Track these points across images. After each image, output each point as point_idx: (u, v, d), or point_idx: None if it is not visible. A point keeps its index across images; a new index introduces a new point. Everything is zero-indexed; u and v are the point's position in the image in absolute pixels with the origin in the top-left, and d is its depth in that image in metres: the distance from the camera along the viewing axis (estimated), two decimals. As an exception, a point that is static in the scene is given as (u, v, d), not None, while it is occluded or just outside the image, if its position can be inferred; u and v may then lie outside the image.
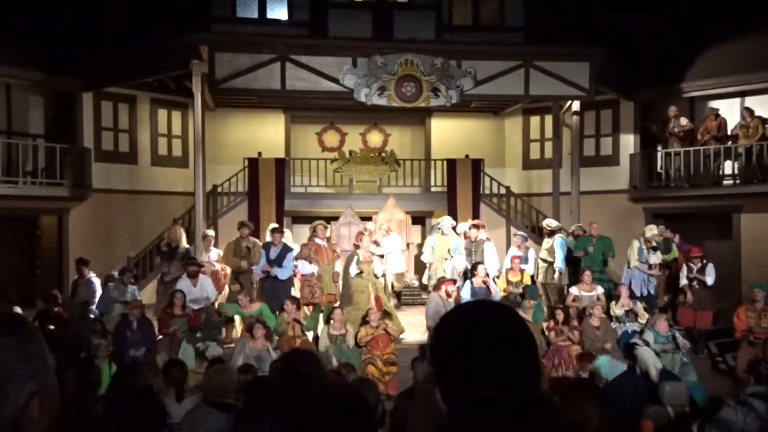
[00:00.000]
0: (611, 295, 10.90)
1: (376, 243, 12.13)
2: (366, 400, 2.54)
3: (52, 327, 9.43)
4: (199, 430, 4.55)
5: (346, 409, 2.41)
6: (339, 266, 11.09)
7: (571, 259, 12.11)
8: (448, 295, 10.02)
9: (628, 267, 11.55)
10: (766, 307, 10.02)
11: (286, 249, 10.90)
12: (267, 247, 10.99)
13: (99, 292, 10.92)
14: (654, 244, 11.60)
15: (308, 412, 2.49)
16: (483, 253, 11.59)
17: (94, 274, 11.29)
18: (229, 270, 11.36)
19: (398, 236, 13.40)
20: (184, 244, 11.41)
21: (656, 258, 11.56)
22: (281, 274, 10.68)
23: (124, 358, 8.73)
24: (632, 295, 10.77)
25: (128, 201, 14.84)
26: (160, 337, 9.62)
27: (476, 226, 12.15)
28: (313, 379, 3.04)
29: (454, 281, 10.66)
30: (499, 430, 1.34)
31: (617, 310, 10.44)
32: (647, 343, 9.27)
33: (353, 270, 10.54)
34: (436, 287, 10.46)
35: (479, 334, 1.40)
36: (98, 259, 13.92)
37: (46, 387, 1.24)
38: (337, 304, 10.45)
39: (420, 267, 13.67)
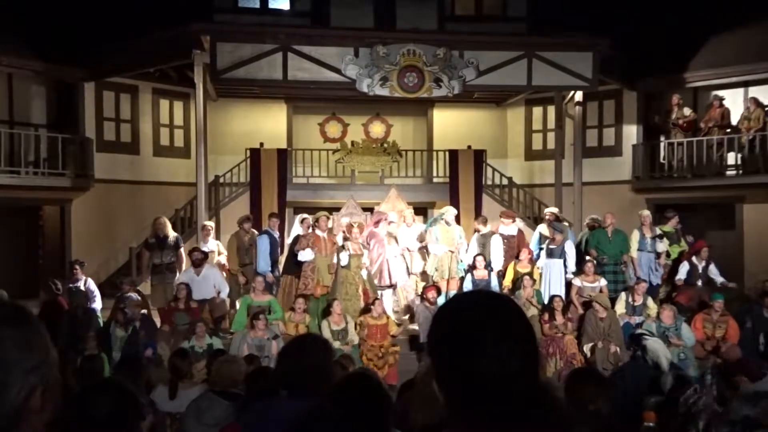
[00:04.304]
0: (625, 289, 10.81)
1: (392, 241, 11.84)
2: (384, 389, 2.53)
3: (52, 316, 9.39)
4: (204, 417, 4.57)
5: (365, 397, 2.41)
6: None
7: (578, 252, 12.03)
8: (430, 302, 10.02)
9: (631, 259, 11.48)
10: (722, 318, 9.97)
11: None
12: (268, 233, 11.20)
13: (97, 294, 10.57)
14: (659, 232, 11.50)
15: (325, 399, 2.47)
16: (491, 245, 11.38)
17: (91, 280, 10.86)
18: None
19: (422, 225, 12.68)
20: (172, 232, 11.37)
21: (663, 246, 11.39)
22: (302, 256, 10.70)
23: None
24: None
25: (130, 191, 14.84)
26: (160, 328, 9.64)
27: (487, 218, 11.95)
28: (320, 366, 2.92)
29: (437, 288, 10.47)
30: (499, 426, 1.30)
31: (621, 307, 10.36)
32: (651, 334, 9.25)
33: (344, 259, 10.48)
34: (421, 295, 10.46)
35: (478, 326, 1.34)
36: (100, 250, 14.03)
37: (48, 379, 1.23)
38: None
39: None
